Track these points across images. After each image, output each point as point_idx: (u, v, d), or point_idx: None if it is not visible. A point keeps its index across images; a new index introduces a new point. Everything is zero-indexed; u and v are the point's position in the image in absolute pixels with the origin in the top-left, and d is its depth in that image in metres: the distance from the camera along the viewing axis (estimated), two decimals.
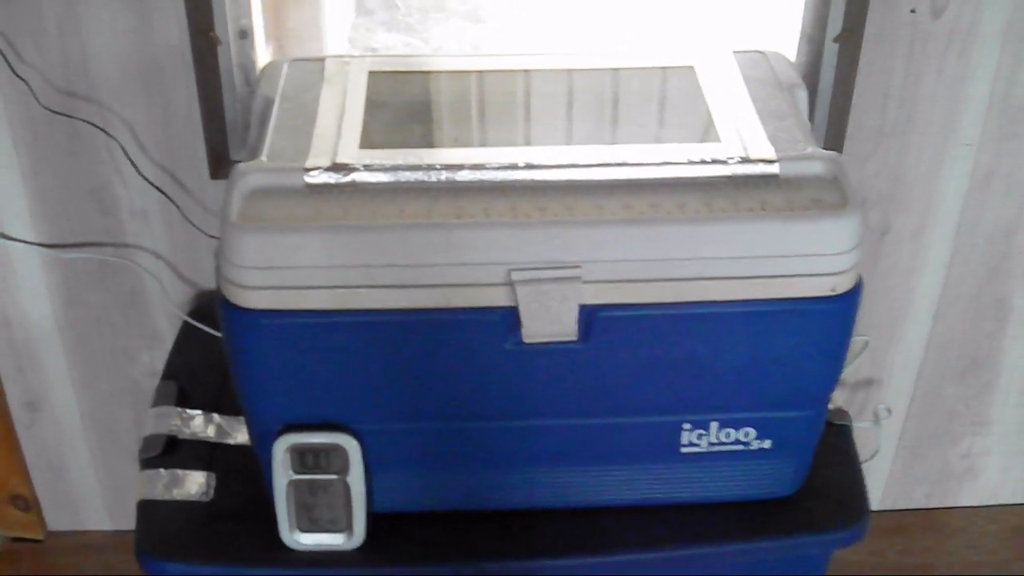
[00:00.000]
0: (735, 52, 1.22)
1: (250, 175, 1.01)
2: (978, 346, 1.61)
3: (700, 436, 1.10)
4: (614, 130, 1.16)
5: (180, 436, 1.24)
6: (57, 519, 1.72)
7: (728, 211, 0.99)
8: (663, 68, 1.21)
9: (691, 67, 1.19)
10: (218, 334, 1.09)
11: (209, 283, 1.47)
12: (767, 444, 1.11)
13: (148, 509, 1.16)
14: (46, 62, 1.30)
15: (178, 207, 1.40)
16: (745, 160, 1.03)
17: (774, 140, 1.06)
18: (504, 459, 1.11)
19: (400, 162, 1.02)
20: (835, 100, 1.36)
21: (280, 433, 1.07)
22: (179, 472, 1.19)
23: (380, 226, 0.97)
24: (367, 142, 1.06)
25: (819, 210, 0.99)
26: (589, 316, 1.00)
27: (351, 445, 1.07)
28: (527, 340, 1.00)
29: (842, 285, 1.01)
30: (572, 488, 1.14)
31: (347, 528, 1.11)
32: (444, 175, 1.02)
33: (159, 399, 1.28)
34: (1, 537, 1.72)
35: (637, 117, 1.18)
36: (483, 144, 1.13)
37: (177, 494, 1.18)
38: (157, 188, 1.38)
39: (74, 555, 1.72)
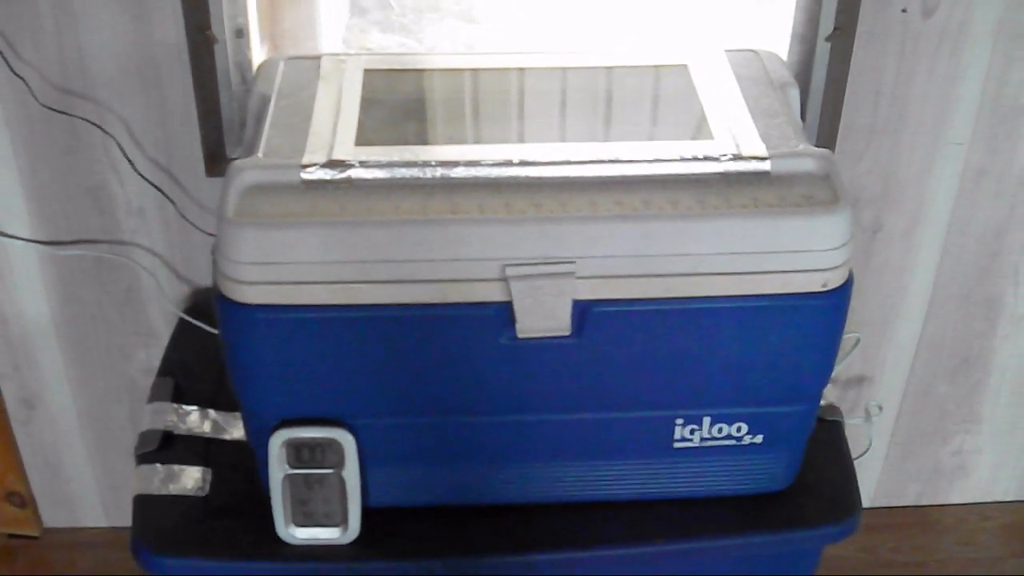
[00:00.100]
0: (728, 51, 1.23)
1: (247, 171, 1.02)
2: (969, 345, 1.62)
3: (693, 431, 1.11)
4: (608, 127, 1.17)
5: (176, 432, 1.25)
6: (53, 516, 1.73)
7: (720, 207, 1.00)
8: (656, 66, 1.23)
9: (684, 65, 1.20)
10: (214, 331, 1.10)
11: (205, 280, 1.47)
12: (759, 439, 1.12)
13: (144, 504, 1.17)
14: (43, 60, 1.31)
15: (174, 204, 1.41)
16: (737, 157, 1.04)
17: (766, 138, 1.07)
18: (498, 454, 1.12)
19: (395, 159, 1.03)
20: (827, 99, 1.37)
21: (276, 428, 1.07)
22: (175, 467, 1.20)
23: (375, 222, 0.98)
24: (363, 139, 1.07)
25: (810, 206, 1.00)
26: (582, 311, 1.01)
27: (346, 440, 1.08)
28: (521, 335, 1.01)
29: (833, 281, 1.02)
30: (566, 483, 1.14)
31: (342, 522, 1.12)
32: (439, 171, 1.03)
33: (155, 395, 1.29)
34: None
35: (630, 115, 1.19)
36: (478, 141, 1.14)
37: (173, 489, 1.18)
38: (154, 185, 1.39)
39: (70, 551, 1.72)
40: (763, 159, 1.04)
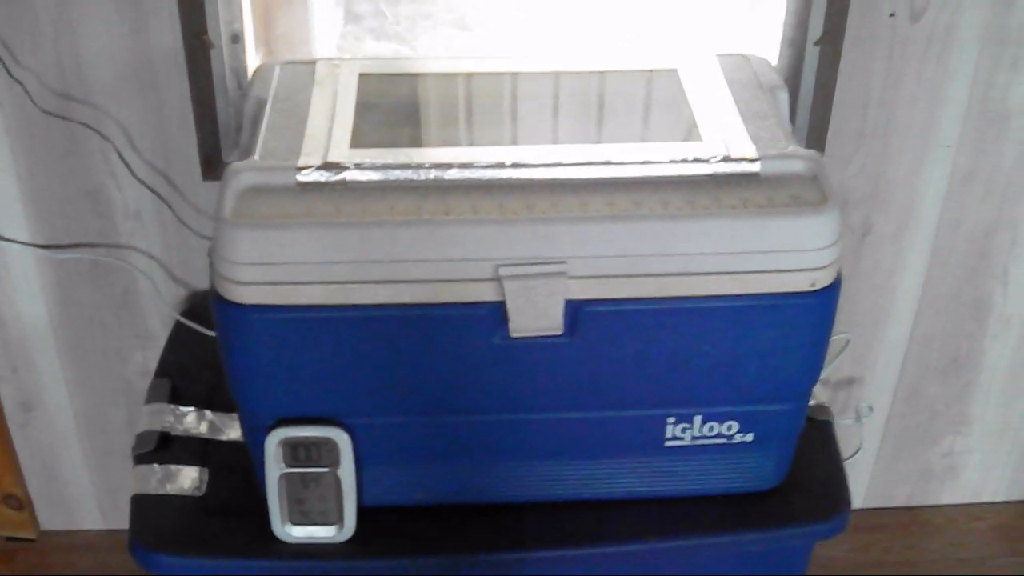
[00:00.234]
0: (718, 55, 1.24)
1: (243, 174, 1.03)
2: (958, 346, 1.64)
3: (684, 429, 1.12)
4: (599, 130, 1.19)
5: (173, 432, 1.26)
6: (50, 518, 1.74)
7: (710, 208, 1.02)
8: (647, 71, 1.24)
9: (675, 70, 1.21)
10: (210, 333, 1.11)
11: (201, 283, 1.49)
12: (749, 437, 1.13)
13: (141, 503, 1.18)
14: (42, 65, 1.32)
15: (171, 208, 1.42)
16: (727, 159, 1.06)
17: (755, 140, 1.09)
18: (492, 453, 1.13)
19: (390, 161, 1.05)
20: (816, 102, 1.38)
21: (272, 427, 1.08)
22: (172, 467, 1.21)
23: (370, 223, 1.00)
24: (358, 142, 1.08)
25: (799, 207, 1.02)
26: (575, 310, 1.02)
27: (342, 439, 1.09)
28: (514, 334, 1.02)
29: (822, 280, 1.03)
30: (558, 481, 1.15)
31: (338, 521, 1.13)
32: (433, 173, 1.04)
33: (152, 396, 1.30)
34: None
35: (622, 118, 1.20)
36: (471, 144, 1.16)
37: (170, 488, 1.19)
38: (151, 189, 1.40)
39: (67, 554, 1.73)
40: (752, 161, 1.05)
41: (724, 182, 1.05)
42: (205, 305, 1.10)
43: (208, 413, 1.28)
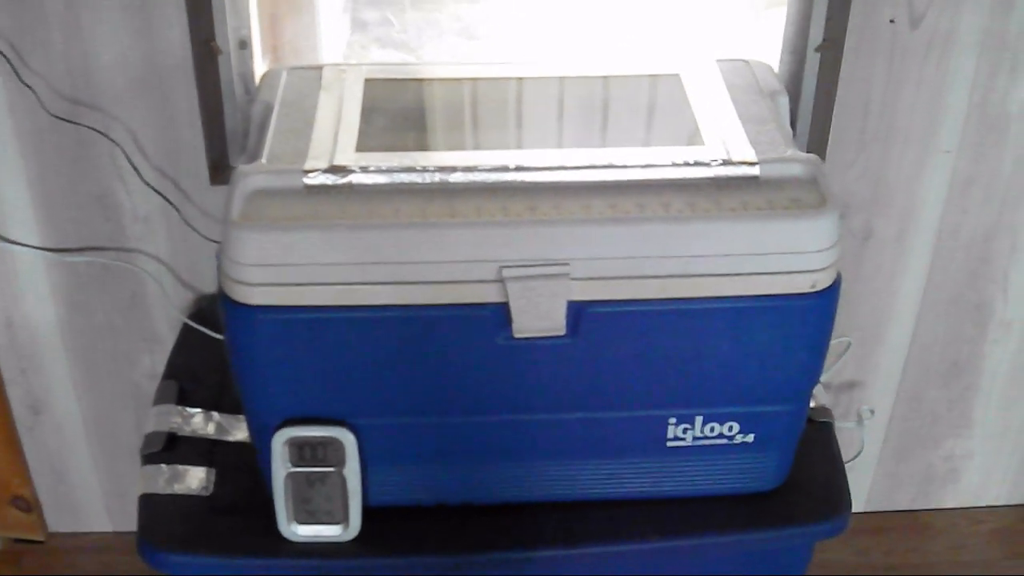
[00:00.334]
0: (719, 61, 1.26)
1: (251, 176, 1.05)
2: (959, 350, 1.65)
3: (685, 430, 1.13)
4: (602, 134, 1.20)
5: (180, 433, 1.27)
6: (58, 520, 1.75)
7: (711, 211, 1.03)
8: (650, 76, 1.26)
9: (676, 75, 1.23)
10: (218, 336, 1.12)
11: (209, 287, 1.50)
12: (750, 438, 1.15)
13: (149, 502, 1.19)
14: (52, 70, 1.34)
15: (179, 212, 1.43)
16: (727, 162, 1.07)
17: (755, 144, 1.10)
18: (495, 453, 1.14)
19: (395, 164, 1.06)
20: (817, 108, 1.40)
21: (279, 427, 1.10)
22: (180, 467, 1.22)
23: (376, 225, 1.01)
24: (363, 145, 1.10)
25: (798, 209, 1.03)
26: (577, 312, 1.03)
27: (347, 439, 1.10)
28: (517, 335, 1.03)
29: (821, 282, 1.04)
30: (561, 481, 1.17)
31: (343, 520, 1.14)
32: (438, 177, 1.06)
33: (160, 398, 1.31)
34: (2, 538, 1.75)
35: (624, 122, 1.21)
36: (476, 147, 1.17)
37: (178, 488, 1.21)
38: (159, 193, 1.42)
39: (74, 556, 1.74)
40: (752, 164, 1.07)
41: (725, 185, 1.06)
42: (212, 308, 1.11)
43: (215, 414, 1.30)
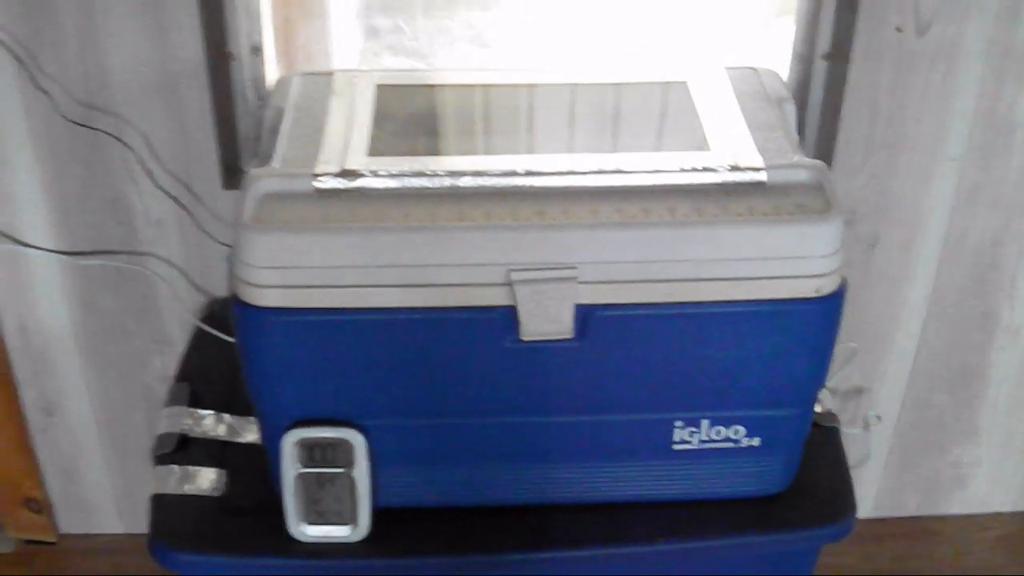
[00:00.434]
0: (728, 68, 1.27)
1: (263, 180, 1.06)
2: (966, 356, 1.65)
3: (692, 433, 1.14)
4: (610, 140, 1.21)
5: (192, 435, 1.28)
6: (69, 522, 1.77)
7: (718, 216, 1.04)
8: (658, 83, 1.27)
9: (684, 82, 1.24)
10: (229, 339, 1.13)
11: (221, 290, 1.52)
12: (756, 442, 1.15)
13: (161, 502, 1.21)
14: (67, 75, 1.36)
15: (191, 216, 1.45)
16: (734, 168, 1.08)
17: (762, 150, 1.11)
18: (503, 455, 1.15)
19: (405, 169, 1.07)
20: (825, 115, 1.41)
21: (289, 427, 1.11)
22: (191, 468, 1.24)
23: (386, 228, 1.02)
24: (374, 150, 1.11)
25: (804, 215, 1.04)
26: (585, 315, 1.04)
27: (357, 440, 1.11)
28: (525, 338, 1.05)
29: (826, 287, 1.05)
30: (568, 484, 1.18)
31: (352, 521, 1.15)
32: (447, 181, 1.07)
33: (172, 400, 1.32)
34: (14, 539, 1.76)
35: (633, 128, 1.22)
36: (485, 152, 1.18)
37: (189, 489, 1.22)
38: (172, 197, 1.43)
39: (85, 557, 1.76)
40: (759, 170, 1.08)
41: (731, 191, 1.07)
42: (224, 311, 1.12)
43: (226, 416, 1.31)
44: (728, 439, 1.15)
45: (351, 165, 1.08)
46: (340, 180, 1.06)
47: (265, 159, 1.13)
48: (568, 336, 1.05)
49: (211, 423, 1.30)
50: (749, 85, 1.24)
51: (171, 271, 1.51)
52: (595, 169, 1.08)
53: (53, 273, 1.51)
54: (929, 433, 1.73)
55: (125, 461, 1.69)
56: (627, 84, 1.27)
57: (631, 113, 1.25)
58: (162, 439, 1.27)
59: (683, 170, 1.08)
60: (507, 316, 1.04)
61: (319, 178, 1.06)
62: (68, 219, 1.46)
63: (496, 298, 1.03)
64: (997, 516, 1.83)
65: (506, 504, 1.19)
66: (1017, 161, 1.47)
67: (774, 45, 1.46)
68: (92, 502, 1.74)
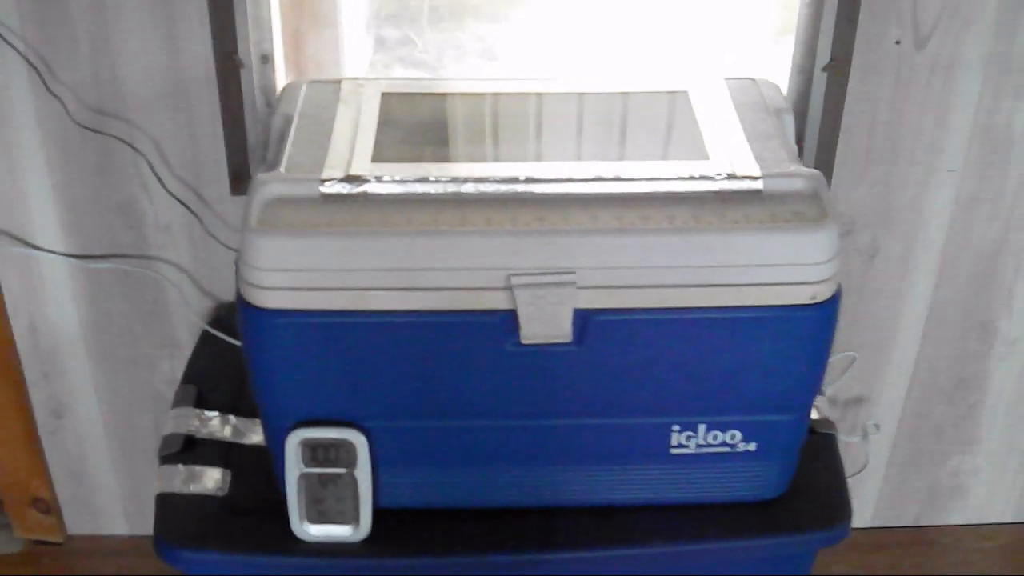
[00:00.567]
0: (728, 79, 1.29)
1: (269, 184, 1.08)
2: (965, 367, 1.66)
3: (689, 438, 1.16)
4: (611, 148, 1.23)
5: (198, 436, 1.30)
6: (77, 523, 1.78)
7: (715, 223, 1.06)
8: (660, 93, 1.29)
9: (685, 92, 1.26)
10: (235, 342, 1.15)
11: (228, 295, 1.53)
12: (753, 447, 1.17)
13: (166, 501, 1.23)
14: (79, 82, 1.38)
15: (200, 221, 1.47)
16: (732, 177, 1.10)
17: (760, 159, 1.13)
18: (501, 458, 1.17)
19: (409, 175, 1.09)
20: (825, 127, 1.42)
21: (292, 428, 1.13)
22: (196, 468, 1.25)
23: (389, 232, 1.04)
24: (379, 156, 1.13)
25: (800, 223, 1.06)
26: (583, 319, 1.06)
27: (359, 440, 1.13)
28: (525, 341, 1.06)
29: (821, 294, 1.07)
30: (566, 487, 1.19)
31: (354, 520, 1.17)
32: (450, 187, 1.09)
33: (179, 401, 1.35)
34: (22, 539, 1.78)
35: (633, 137, 1.24)
36: (487, 160, 1.20)
37: (194, 488, 1.24)
38: (181, 203, 1.45)
39: (92, 558, 1.78)
40: (756, 179, 1.10)
41: (729, 199, 1.09)
42: (231, 316, 1.14)
43: (232, 418, 1.33)
44: (725, 444, 1.17)
45: (356, 171, 1.10)
46: (345, 185, 1.08)
47: (272, 164, 1.15)
48: (567, 340, 1.07)
49: (217, 424, 1.32)
50: (748, 96, 1.26)
51: (180, 275, 1.53)
52: (595, 176, 1.10)
53: (63, 276, 1.53)
54: (928, 443, 1.74)
55: (132, 464, 1.71)
56: (628, 94, 1.29)
57: (632, 122, 1.27)
58: (168, 439, 1.29)
59: (682, 178, 1.10)
60: (507, 320, 1.06)
61: (324, 183, 1.08)
62: (79, 223, 1.48)
63: (497, 302, 1.05)
64: (996, 526, 1.84)
65: (505, 506, 1.20)
66: (1015, 173, 1.48)
67: (780, 60, 1.48)
68: (100, 504, 1.76)
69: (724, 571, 1.26)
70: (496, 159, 1.21)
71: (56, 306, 1.56)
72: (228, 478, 1.25)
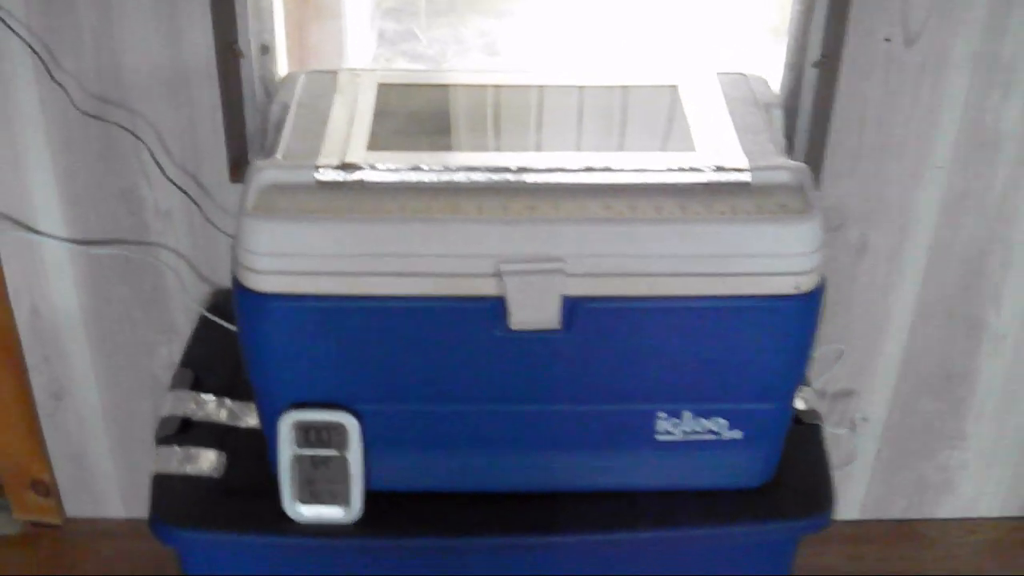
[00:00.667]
0: (719, 73, 1.31)
1: (266, 171, 1.11)
2: (953, 362, 1.68)
3: (675, 424, 1.18)
4: (601, 139, 1.25)
5: (194, 418, 1.32)
6: (75, 505, 1.80)
7: (701, 214, 1.08)
8: (651, 87, 1.31)
9: (676, 86, 1.28)
10: (232, 328, 1.17)
11: (226, 281, 1.54)
12: (738, 435, 1.19)
13: (162, 482, 1.25)
14: (82, 70, 1.40)
15: (200, 208, 1.49)
16: (719, 168, 1.12)
17: (748, 152, 1.15)
18: (490, 442, 1.19)
19: (403, 164, 1.12)
20: (814, 122, 1.44)
21: (286, 409, 1.15)
22: (192, 449, 1.28)
23: (382, 219, 1.06)
24: (374, 145, 1.15)
25: (785, 214, 1.08)
26: (571, 306, 1.08)
27: (351, 423, 1.15)
28: (514, 327, 1.08)
29: (805, 284, 1.09)
30: (553, 471, 1.21)
31: (346, 502, 1.19)
32: (443, 176, 1.11)
33: (176, 384, 1.37)
34: (20, 521, 1.80)
35: (624, 128, 1.27)
36: (480, 150, 1.22)
37: (190, 469, 1.26)
38: (181, 190, 1.47)
39: (90, 540, 1.80)
40: (743, 171, 1.12)
41: (716, 190, 1.11)
42: (228, 302, 1.16)
43: (228, 401, 1.35)
44: (710, 431, 1.18)
45: (351, 159, 1.12)
46: (340, 172, 1.11)
47: (270, 152, 1.17)
48: (555, 327, 1.09)
49: (213, 407, 1.34)
50: (738, 90, 1.28)
51: (179, 261, 1.55)
52: (584, 167, 1.12)
53: (64, 261, 1.55)
54: (916, 437, 1.76)
55: (130, 448, 1.73)
56: (621, 88, 1.31)
57: (622, 114, 1.29)
58: (165, 421, 1.31)
59: (671, 169, 1.12)
60: (497, 306, 1.08)
61: (320, 170, 1.11)
62: (80, 209, 1.51)
63: (486, 288, 1.07)
64: (984, 521, 1.85)
65: (492, 490, 1.22)
66: (1003, 170, 1.50)
67: (777, 58, 1.50)
68: (98, 487, 1.78)
69: (708, 558, 1.28)
70: (488, 148, 1.23)
71: (57, 290, 1.58)
72: (223, 460, 1.27)
